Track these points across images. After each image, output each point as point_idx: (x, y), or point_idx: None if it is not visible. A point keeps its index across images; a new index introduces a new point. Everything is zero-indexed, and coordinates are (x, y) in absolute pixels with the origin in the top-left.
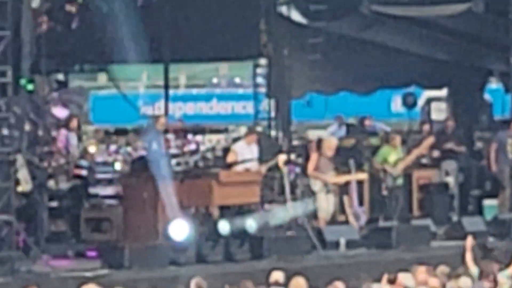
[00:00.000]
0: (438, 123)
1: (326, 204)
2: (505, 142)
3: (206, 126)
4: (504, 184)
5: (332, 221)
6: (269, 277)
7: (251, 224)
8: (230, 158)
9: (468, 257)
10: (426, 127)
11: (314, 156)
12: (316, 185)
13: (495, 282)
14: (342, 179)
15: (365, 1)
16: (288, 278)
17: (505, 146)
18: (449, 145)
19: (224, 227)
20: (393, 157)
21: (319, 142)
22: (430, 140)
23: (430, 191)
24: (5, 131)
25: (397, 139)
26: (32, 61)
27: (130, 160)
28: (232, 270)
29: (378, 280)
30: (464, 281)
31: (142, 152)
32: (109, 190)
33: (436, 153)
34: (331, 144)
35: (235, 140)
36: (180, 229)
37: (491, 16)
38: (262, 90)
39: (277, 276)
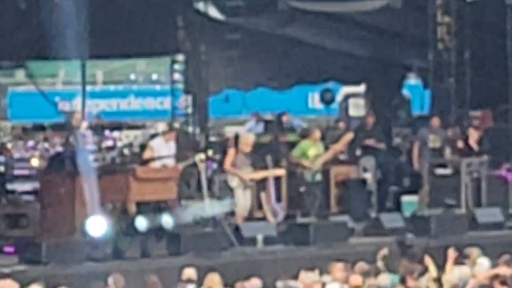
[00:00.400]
0: (356, 119)
1: (243, 200)
2: (427, 139)
3: (123, 122)
4: (423, 180)
5: (250, 217)
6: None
7: (167, 220)
8: (147, 154)
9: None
10: (342, 124)
11: (231, 152)
12: (233, 181)
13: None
14: (259, 175)
15: None
16: (206, 275)
17: (427, 143)
18: (370, 142)
19: (141, 223)
20: (312, 151)
21: (236, 138)
22: (349, 136)
23: (348, 188)
24: None
25: (317, 134)
26: None
27: (48, 156)
28: (149, 267)
29: (296, 277)
30: (383, 278)
31: (59, 148)
32: (26, 186)
33: (358, 151)
34: (248, 140)
35: (153, 136)
36: (97, 225)
37: (409, 12)
38: (180, 86)
39: (189, 273)
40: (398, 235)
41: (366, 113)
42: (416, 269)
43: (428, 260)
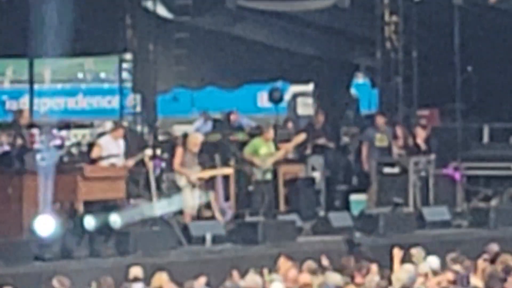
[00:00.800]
0: (305, 118)
1: (191, 199)
2: (373, 138)
3: (71, 121)
4: (371, 179)
5: (198, 216)
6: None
7: (115, 219)
8: (95, 153)
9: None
10: (290, 124)
11: (179, 151)
12: (182, 180)
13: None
14: (207, 174)
15: None
16: (154, 274)
17: (374, 142)
18: (321, 141)
19: (89, 222)
20: (264, 150)
21: (185, 137)
22: (301, 136)
23: (297, 186)
24: None
25: (270, 132)
26: None
27: None
28: (97, 266)
29: (244, 275)
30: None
31: (7, 147)
32: None
33: (309, 150)
34: (196, 139)
35: (101, 135)
36: (45, 225)
37: (356, 11)
38: (128, 85)
39: (136, 271)
40: (346, 234)
41: (315, 112)
42: (364, 267)
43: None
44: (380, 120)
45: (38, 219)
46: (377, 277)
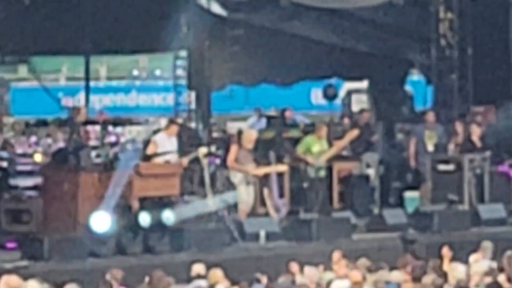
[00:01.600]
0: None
1: (246, 196)
2: (423, 135)
3: (126, 118)
4: (425, 176)
5: (252, 213)
6: (189, 269)
7: (168, 216)
8: (150, 150)
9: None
10: (346, 120)
11: (234, 148)
12: (236, 177)
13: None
14: (262, 171)
15: None
16: (209, 270)
17: (423, 139)
18: (374, 138)
19: (144, 219)
20: (316, 147)
21: (239, 134)
22: (354, 132)
23: (351, 183)
24: None
25: (323, 130)
26: None
27: (51, 151)
28: (151, 262)
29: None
30: (384, 274)
31: (62, 144)
32: (29, 182)
33: (360, 147)
34: (250, 136)
35: (155, 132)
36: (101, 221)
37: (411, 8)
38: (183, 82)
39: (198, 268)
40: (400, 231)
41: (360, 110)
42: (419, 265)
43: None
44: (430, 117)
45: (94, 215)
46: (433, 275)
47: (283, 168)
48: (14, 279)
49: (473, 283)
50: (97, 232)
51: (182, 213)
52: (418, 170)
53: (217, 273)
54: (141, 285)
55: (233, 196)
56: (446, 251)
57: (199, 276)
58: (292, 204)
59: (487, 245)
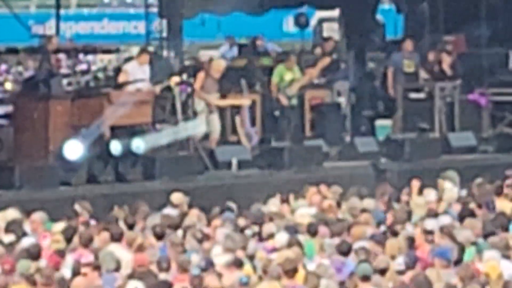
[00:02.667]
0: None
1: (208, 125)
2: (400, 64)
3: (97, 46)
4: (397, 104)
5: (224, 141)
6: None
7: (138, 144)
8: (121, 78)
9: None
10: (318, 49)
11: (200, 76)
12: (199, 105)
13: (389, 203)
14: (225, 102)
15: None
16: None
17: (401, 67)
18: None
19: (115, 147)
20: (288, 76)
21: (209, 62)
22: (326, 60)
23: (323, 112)
24: None
25: (293, 59)
26: None
27: (21, 79)
28: (123, 191)
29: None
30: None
31: (33, 72)
32: None
33: (330, 76)
34: (219, 66)
35: (127, 60)
36: (73, 149)
37: None
38: (154, 10)
39: (177, 197)
40: (372, 159)
41: (324, 39)
42: (389, 191)
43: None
44: (409, 46)
45: (66, 143)
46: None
47: (245, 101)
48: None
49: (441, 210)
50: (69, 161)
51: (153, 141)
52: (389, 98)
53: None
54: (111, 213)
55: (202, 123)
56: (415, 183)
57: (176, 206)
58: (264, 132)
59: (452, 174)
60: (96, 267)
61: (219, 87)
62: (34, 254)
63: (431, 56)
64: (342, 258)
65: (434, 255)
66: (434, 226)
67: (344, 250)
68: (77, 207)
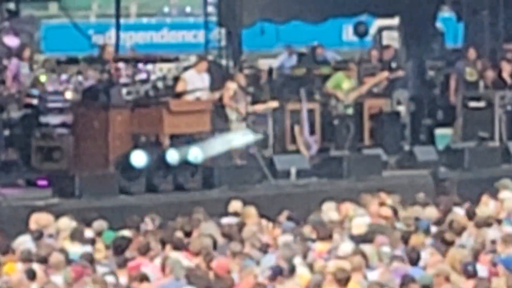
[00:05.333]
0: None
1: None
2: (463, 72)
3: (156, 55)
4: (457, 113)
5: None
6: (219, 207)
7: (195, 154)
8: (180, 87)
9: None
10: (374, 52)
11: (231, 86)
12: (232, 115)
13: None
14: (254, 108)
15: None
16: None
17: (463, 75)
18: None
19: (172, 156)
20: (346, 84)
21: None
22: (384, 74)
23: (382, 120)
24: None
25: (354, 69)
26: None
27: (81, 89)
28: (182, 200)
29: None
30: (416, 209)
31: (93, 81)
32: (60, 119)
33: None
34: (241, 76)
35: (186, 69)
36: (134, 158)
37: None
38: (213, 18)
39: (236, 206)
40: (431, 168)
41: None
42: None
43: None
44: (472, 54)
45: (129, 153)
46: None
47: (274, 104)
48: (44, 216)
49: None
50: (130, 169)
51: (209, 150)
52: (449, 107)
53: (251, 211)
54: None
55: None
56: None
57: (235, 214)
58: (323, 141)
59: (508, 182)
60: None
61: (280, 95)
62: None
63: (486, 63)
64: (405, 267)
65: (498, 264)
66: (496, 235)
67: (414, 258)
68: (147, 220)
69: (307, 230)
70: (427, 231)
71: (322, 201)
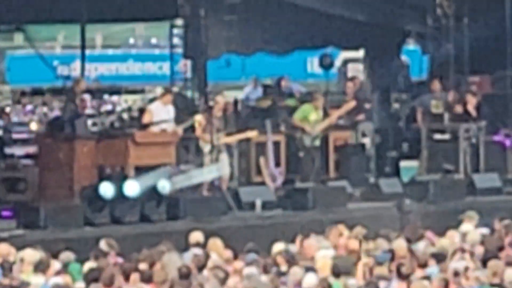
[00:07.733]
0: None
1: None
2: (429, 104)
3: (122, 87)
4: (422, 145)
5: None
6: (186, 238)
7: (164, 185)
8: (146, 119)
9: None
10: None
11: (201, 119)
12: (206, 147)
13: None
14: (232, 139)
15: None
16: (205, 239)
17: (429, 108)
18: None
19: (133, 188)
20: (313, 116)
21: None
22: (351, 104)
23: (347, 152)
24: None
25: (320, 100)
26: None
27: (47, 120)
28: (147, 231)
29: (293, 241)
30: (381, 242)
31: (58, 112)
32: (25, 150)
33: (361, 117)
34: (219, 104)
35: (151, 100)
36: (101, 190)
37: None
38: (179, 50)
39: (197, 236)
40: (396, 200)
41: (346, 80)
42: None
43: None
44: (436, 86)
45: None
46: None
47: (251, 134)
48: (4, 247)
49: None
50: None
51: (177, 182)
52: (414, 139)
53: (216, 243)
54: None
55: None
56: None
57: (197, 244)
58: (288, 173)
59: (472, 214)
60: None
61: (245, 126)
62: None
63: (455, 96)
64: None
65: None
66: (460, 268)
67: None
68: (102, 244)
69: (269, 261)
70: (388, 264)
71: (287, 233)
